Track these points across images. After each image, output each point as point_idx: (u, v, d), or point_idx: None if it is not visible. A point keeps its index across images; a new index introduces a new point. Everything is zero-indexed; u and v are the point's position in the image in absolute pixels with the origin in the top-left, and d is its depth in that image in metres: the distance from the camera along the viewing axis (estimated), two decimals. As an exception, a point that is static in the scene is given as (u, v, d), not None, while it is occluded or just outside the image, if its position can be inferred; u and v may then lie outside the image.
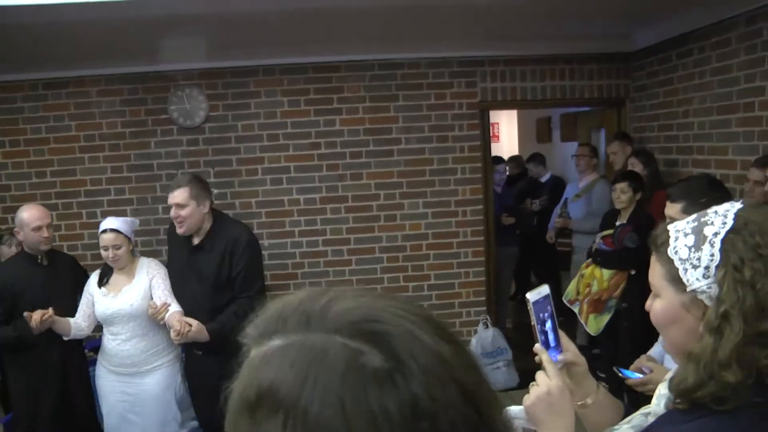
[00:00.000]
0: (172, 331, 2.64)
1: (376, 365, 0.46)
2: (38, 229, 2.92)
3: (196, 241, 2.89)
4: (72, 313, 2.95)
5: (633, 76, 4.39)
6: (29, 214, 2.94)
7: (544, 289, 1.05)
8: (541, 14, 3.48)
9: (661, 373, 1.54)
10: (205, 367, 2.86)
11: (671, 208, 2.04)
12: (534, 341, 1.03)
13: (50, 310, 2.71)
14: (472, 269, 4.33)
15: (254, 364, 0.50)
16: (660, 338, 1.78)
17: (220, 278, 2.82)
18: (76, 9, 2.80)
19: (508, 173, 5.64)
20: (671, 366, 1.14)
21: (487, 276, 4.43)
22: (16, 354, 2.97)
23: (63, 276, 3.09)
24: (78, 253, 4.14)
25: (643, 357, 1.90)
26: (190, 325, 2.61)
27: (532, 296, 1.02)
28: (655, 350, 2.03)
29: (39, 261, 3.01)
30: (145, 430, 3.04)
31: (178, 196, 2.78)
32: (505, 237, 4.79)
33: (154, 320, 2.82)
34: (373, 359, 0.46)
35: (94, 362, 3.26)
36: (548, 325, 1.04)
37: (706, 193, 1.97)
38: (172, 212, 2.81)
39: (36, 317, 2.67)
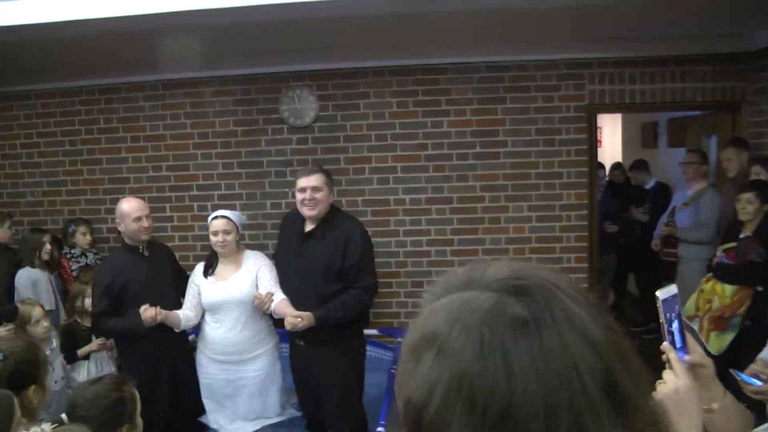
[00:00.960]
0: (285, 323, 2.83)
1: (516, 312, 0.54)
2: (138, 219, 3.12)
3: (309, 227, 3.04)
4: (174, 300, 3.19)
5: (751, 78, 4.32)
6: (129, 206, 3.15)
7: (673, 288, 1.05)
8: (652, 14, 3.51)
9: None
10: (308, 357, 3.06)
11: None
12: (661, 340, 1.03)
13: (158, 309, 2.94)
14: (575, 275, 4.37)
15: (422, 317, 0.60)
16: None
17: (331, 267, 2.95)
18: (197, 15, 3.08)
19: (608, 179, 5.64)
20: None
21: (590, 283, 4.46)
22: (129, 343, 3.18)
23: (163, 266, 3.29)
24: (188, 243, 4.51)
25: (759, 360, 1.88)
26: (301, 318, 2.80)
27: (661, 294, 1.02)
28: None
29: (141, 251, 3.20)
30: (246, 417, 3.25)
31: (315, 179, 2.96)
32: (604, 244, 4.81)
33: (259, 309, 3.02)
34: (514, 307, 0.55)
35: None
36: (675, 325, 1.04)
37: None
38: (307, 194, 2.93)
39: (150, 313, 2.89)
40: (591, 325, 0.56)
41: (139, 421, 1.79)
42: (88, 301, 3.40)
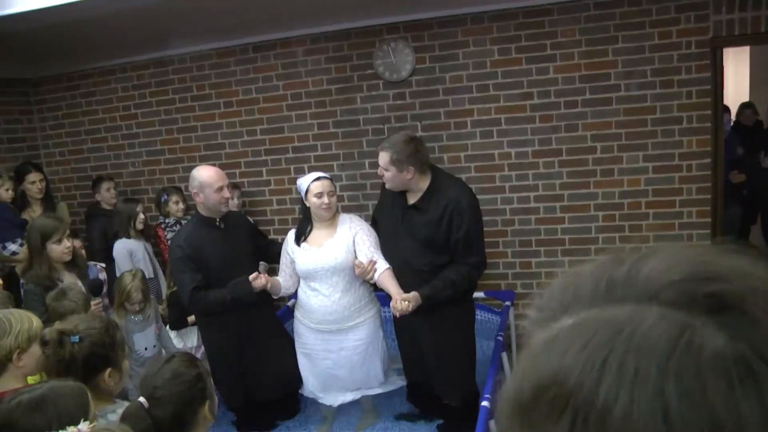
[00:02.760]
0: (392, 308, 2.85)
1: (718, 347, 0.35)
2: (220, 189, 3.14)
3: (411, 200, 3.05)
4: (253, 272, 3.15)
5: None
6: (209, 175, 3.14)
7: None
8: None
9: None
10: (414, 324, 3.08)
11: None
12: None
13: (266, 276, 3.08)
14: (696, 231, 4.30)
15: (533, 352, 0.42)
16: None
17: (436, 241, 2.97)
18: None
19: (735, 120, 5.41)
20: None
21: (713, 240, 4.35)
22: (218, 317, 3.24)
23: (240, 236, 3.33)
24: (287, 207, 4.79)
25: None
26: (409, 301, 2.80)
27: None
28: None
29: (217, 224, 3.25)
30: (348, 387, 3.32)
31: (381, 159, 2.99)
32: (727, 196, 4.66)
33: (361, 277, 3.04)
34: (712, 337, 0.36)
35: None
36: None
37: None
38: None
39: (262, 281, 3.02)
40: None
41: (215, 397, 1.85)
42: None
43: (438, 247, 2.98)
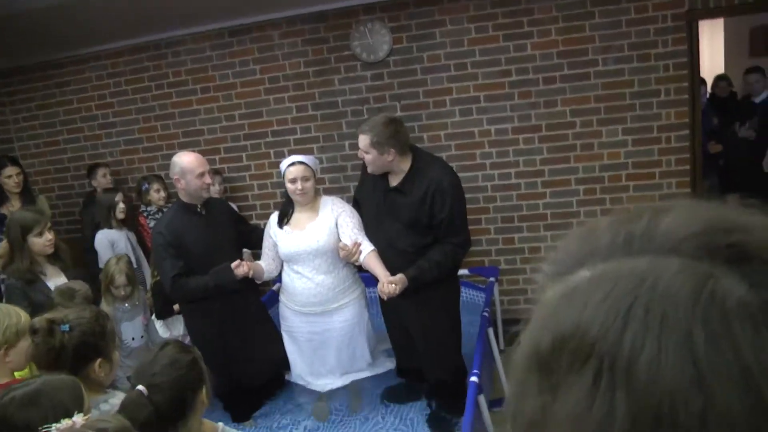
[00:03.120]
0: (379, 291, 2.84)
1: (742, 295, 0.35)
2: (201, 175, 3.12)
3: (393, 182, 3.04)
4: (235, 258, 3.16)
5: None
6: (189, 161, 3.13)
7: None
8: None
9: None
10: (400, 304, 3.05)
11: None
12: None
13: (247, 263, 3.05)
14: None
15: (550, 305, 0.41)
16: None
17: (420, 223, 2.97)
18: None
19: (710, 93, 5.47)
20: None
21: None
22: (201, 304, 3.22)
23: (222, 222, 3.32)
24: (268, 191, 4.78)
25: None
26: (395, 284, 2.79)
27: None
28: None
29: (199, 210, 3.23)
30: (334, 370, 3.29)
31: (360, 141, 2.97)
32: (705, 165, 4.71)
33: (346, 260, 3.02)
34: (736, 286, 0.36)
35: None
36: None
37: None
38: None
39: (244, 269, 3.00)
40: None
41: (209, 382, 1.84)
42: None
43: (422, 229, 2.98)
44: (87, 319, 1.93)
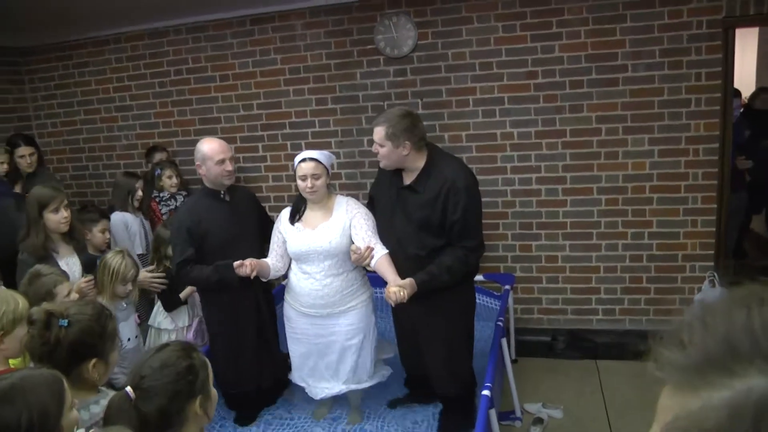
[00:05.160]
0: (387, 296, 2.71)
1: None
2: (221, 162, 3.13)
3: (407, 180, 2.97)
4: (257, 248, 3.17)
5: None
6: (210, 147, 3.15)
7: None
8: None
9: None
10: (410, 310, 2.97)
11: None
12: None
13: (253, 261, 2.94)
14: (701, 218, 4.26)
15: (712, 420, 0.38)
16: None
17: (431, 224, 2.87)
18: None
19: (745, 106, 5.32)
20: None
21: (718, 226, 4.32)
22: (213, 294, 3.25)
23: (245, 210, 3.29)
24: (282, 183, 4.73)
25: None
26: (403, 288, 2.69)
27: None
28: None
29: (222, 196, 3.24)
30: (338, 374, 3.19)
31: (375, 134, 2.90)
32: (733, 181, 4.59)
33: (357, 263, 2.93)
34: None
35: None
36: None
37: None
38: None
39: (246, 271, 2.91)
40: None
41: (214, 392, 1.68)
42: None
43: (433, 230, 2.89)
44: (88, 316, 1.86)
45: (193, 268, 3.11)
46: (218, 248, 3.13)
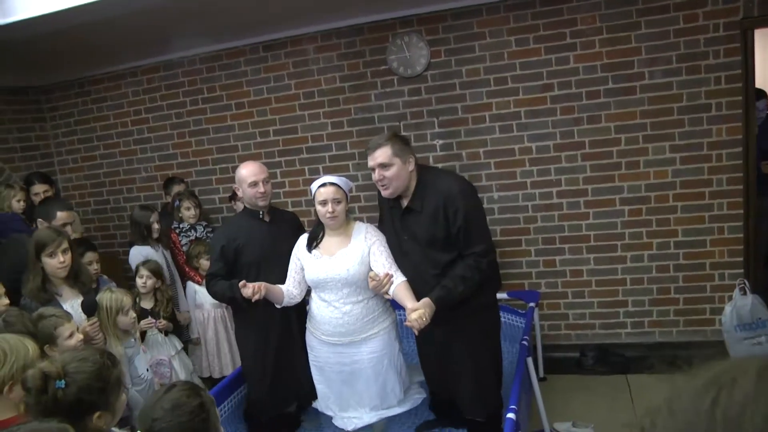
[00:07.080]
0: (408, 323, 2.63)
1: None
2: (254, 184, 3.21)
3: (405, 203, 2.94)
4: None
5: None
6: (246, 171, 3.27)
7: None
8: None
9: None
10: (435, 334, 2.90)
11: None
12: None
13: (262, 285, 2.87)
14: (728, 224, 4.16)
15: None
16: None
17: (437, 239, 2.85)
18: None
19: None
20: None
21: (746, 232, 4.23)
22: (241, 312, 3.27)
23: (284, 233, 3.29)
24: (301, 209, 4.73)
25: None
26: (420, 311, 2.62)
27: None
28: None
29: (261, 217, 3.30)
30: (363, 403, 3.09)
31: (380, 155, 2.82)
32: (762, 185, 4.48)
33: (375, 291, 2.86)
34: None
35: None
36: None
37: None
38: (375, 175, 2.87)
39: (248, 291, 2.82)
40: None
41: (221, 429, 1.69)
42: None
43: (441, 244, 2.85)
44: (87, 374, 1.74)
45: (216, 282, 3.21)
46: (252, 266, 3.20)
